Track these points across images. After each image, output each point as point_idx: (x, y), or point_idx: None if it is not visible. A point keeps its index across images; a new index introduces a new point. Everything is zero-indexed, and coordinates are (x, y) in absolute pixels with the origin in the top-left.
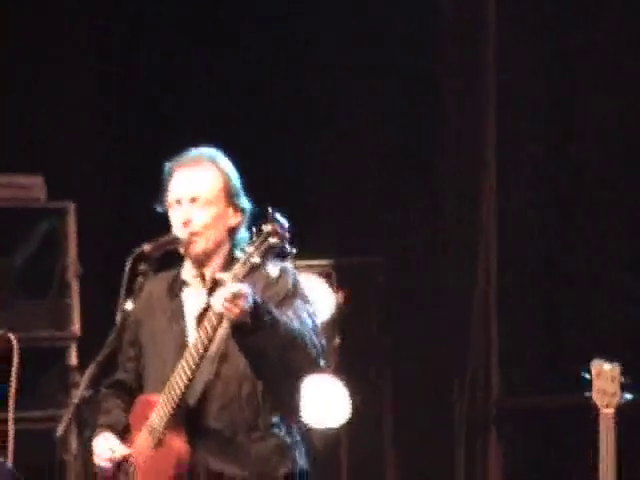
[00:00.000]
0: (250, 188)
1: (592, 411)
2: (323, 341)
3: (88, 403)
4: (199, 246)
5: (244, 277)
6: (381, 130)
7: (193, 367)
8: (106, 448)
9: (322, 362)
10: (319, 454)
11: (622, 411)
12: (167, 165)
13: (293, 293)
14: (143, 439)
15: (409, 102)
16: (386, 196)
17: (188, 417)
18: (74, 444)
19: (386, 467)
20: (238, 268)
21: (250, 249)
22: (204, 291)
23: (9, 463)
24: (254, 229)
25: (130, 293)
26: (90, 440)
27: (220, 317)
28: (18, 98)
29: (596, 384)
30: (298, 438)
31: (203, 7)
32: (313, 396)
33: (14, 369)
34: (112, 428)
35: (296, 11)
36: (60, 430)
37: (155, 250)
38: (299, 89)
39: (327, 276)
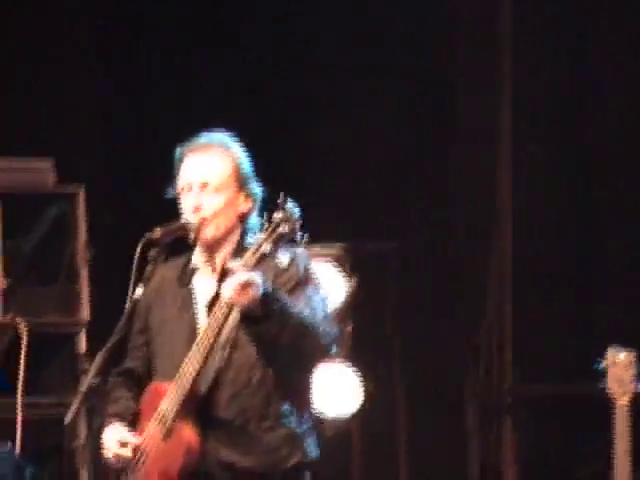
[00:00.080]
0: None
1: (607, 399)
2: (334, 328)
3: (97, 391)
4: (209, 232)
5: (254, 266)
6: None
7: (204, 355)
8: (115, 440)
9: (333, 349)
10: (330, 442)
11: (637, 399)
12: (178, 150)
13: (304, 280)
14: (152, 428)
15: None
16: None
17: (198, 406)
18: (83, 431)
19: (398, 455)
20: (248, 257)
21: (261, 237)
22: (214, 278)
23: (15, 450)
24: (265, 217)
25: (140, 279)
26: (100, 430)
27: (230, 305)
28: (18, 98)
29: (611, 372)
30: (309, 427)
31: (203, 7)
32: (324, 384)
33: (23, 355)
34: (121, 417)
35: (296, 11)
36: (69, 417)
37: (165, 236)
38: (299, 89)
39: (339, 261)
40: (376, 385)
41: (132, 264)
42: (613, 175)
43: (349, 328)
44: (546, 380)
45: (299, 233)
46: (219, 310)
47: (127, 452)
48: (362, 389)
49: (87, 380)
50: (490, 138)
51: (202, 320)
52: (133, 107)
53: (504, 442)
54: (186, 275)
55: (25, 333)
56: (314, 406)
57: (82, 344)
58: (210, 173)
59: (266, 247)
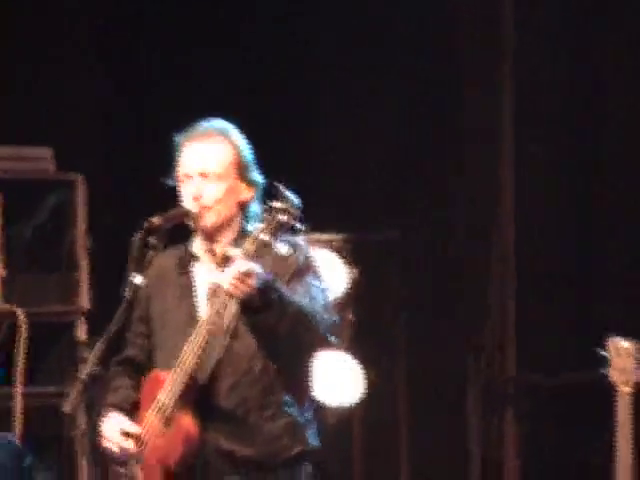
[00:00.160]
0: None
1: (609, 388)
2: (334, 317)
3: (96, 380)
4: (209, 220)
5: (253, 255)
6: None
7: (203, 344)
8: (117, 431)
9: (333, 338)
10: (332, 431)
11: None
12: (177, 138)
13: (303, 269)
14: (152, 417)
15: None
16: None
17: (198, 396)
18: (82, 420)
19: (400, 445)
20: (248, 246)
21: (260, 226)
22: (214, 266)
23: (15, 439)
24: (264, 206)
25: (139, 267)
26: (99, 419)
27: (230, 295)
28: (18, 98)
29: (613, 361)
30: (310, 416)
31: (203, 7)
32: (325, 373)
33: (22, 343)
34: (121, 407)
35: (296, 11)
36: (68, 406)
37: (164, 223)
38: (299, 89)
39: (340, 251)
40: (377, 374)
41: (131, 252)
42: (613, 175)
43: (350, 317)
44: (548, 369)
45: (299, 222)
46: (219, 299)
47: (130, 444)
48: (364, 378)
49: (87, 369)
50: (491, 138)
51: (202, 308)
52: (133, 107)
53: (506, 432)
54: (185, 263)
55: (24, 322)
56: (315, 395)
57: (82, 332)
58: (210, 161)
59: (265, 236)
